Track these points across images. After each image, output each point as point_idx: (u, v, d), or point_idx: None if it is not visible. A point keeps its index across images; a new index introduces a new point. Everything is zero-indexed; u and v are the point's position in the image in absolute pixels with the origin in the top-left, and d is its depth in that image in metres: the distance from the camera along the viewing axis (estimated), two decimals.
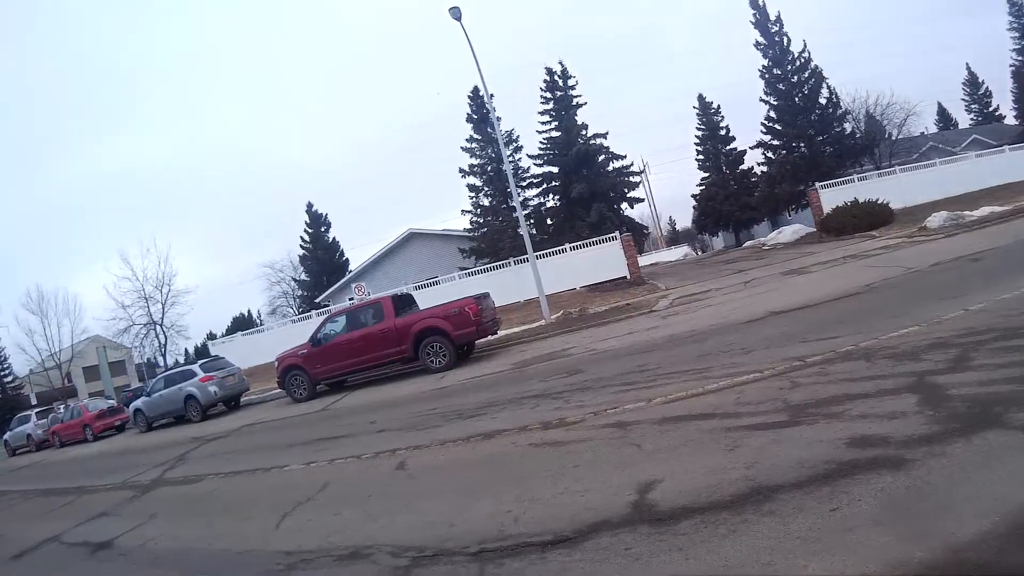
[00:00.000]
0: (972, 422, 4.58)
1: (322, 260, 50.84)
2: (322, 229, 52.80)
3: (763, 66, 38.65)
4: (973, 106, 54.30)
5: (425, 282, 31.44)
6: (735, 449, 5.19)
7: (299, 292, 52.62)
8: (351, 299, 27.09)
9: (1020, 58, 42.13)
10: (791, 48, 38.15)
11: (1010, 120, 47.27)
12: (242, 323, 55.87)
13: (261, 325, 51.57)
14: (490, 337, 17.89)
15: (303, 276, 52.63)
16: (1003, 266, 11.21)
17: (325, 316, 22.32)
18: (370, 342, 16.37)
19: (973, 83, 54.40)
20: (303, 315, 38.19)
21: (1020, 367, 5.56)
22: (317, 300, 42.98)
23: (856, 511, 3.79)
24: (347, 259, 51.64)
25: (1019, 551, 3.02)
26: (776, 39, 38.22)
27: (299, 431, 12.45)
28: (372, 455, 8.21)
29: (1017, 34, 42.43)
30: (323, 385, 17.58)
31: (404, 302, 18.30)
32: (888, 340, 7.37)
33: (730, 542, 3.75)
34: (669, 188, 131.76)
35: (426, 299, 22.40)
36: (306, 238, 52.93)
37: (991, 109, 52.79)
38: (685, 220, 61.69)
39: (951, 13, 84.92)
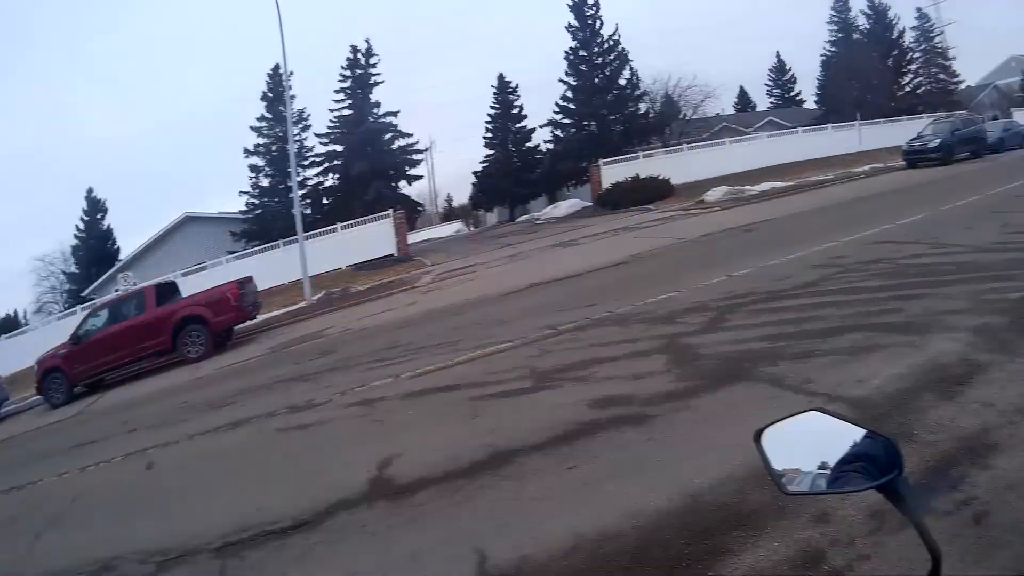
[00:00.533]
0: (719, 378, 5.05)
1: (93, 249, 46.06)
2: (98, 216, 47.79)
3: (570, 48, 40.00)
4: (776, 91, 59.97)
5: (192, 268, 29.52)
6: (477, 418, 5.38)
7: (67, 286, 47.51)
8: (117, 290, 25.02)
9: (834, 49, 46.98)
10: (602, 31, 39.69)
11: (810, 105, 52.34)
12: (6, 325, 49.56)
13: (26, 325, 46.10)
14: (250, 321, 17.36)
15: (73, 268, 47.55)
16: (773, 236, 12.46)
17: (88, 311, 20.38)
18: (131, 335, 15.56)
19: (780, 69, 59.93)
20: (68, 311, 34.58)
21: (774, 326, 6.21)
22: (84, 294, 39.06)
23: (595, 467, 4.03)
24: (118, 247, 47.20)
25: (756, 491, 3.33)
26: (589, 22, 39.64)
27: (54, 439, 11.41)
28: (122, 458, 7.61)
29: (835, 27, 47.36)
30: (81, 386, 16.09)
31: (167, 291, 17.14)
32: (646, 306, 7.91)
33: (466, 508, 3.88)
34: (456, 166, 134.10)
35: (193, 286, 21.08)
36: (81, 227, 47.29)
37: (793, 94, 58.62)
38: (465, 197, 62.72)
39: (779, 5, 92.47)
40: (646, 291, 8.63)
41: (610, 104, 39.20)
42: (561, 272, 12.59)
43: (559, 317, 8.23)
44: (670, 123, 40.15)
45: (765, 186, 23.79)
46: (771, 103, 58.16)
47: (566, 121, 40.77)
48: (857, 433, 0.99)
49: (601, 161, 32.79)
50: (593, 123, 39.45)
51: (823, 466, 1.01)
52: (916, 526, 0.92)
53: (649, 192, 28.20)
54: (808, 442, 1.04)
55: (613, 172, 31.57)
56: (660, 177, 29.30)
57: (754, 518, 3.19)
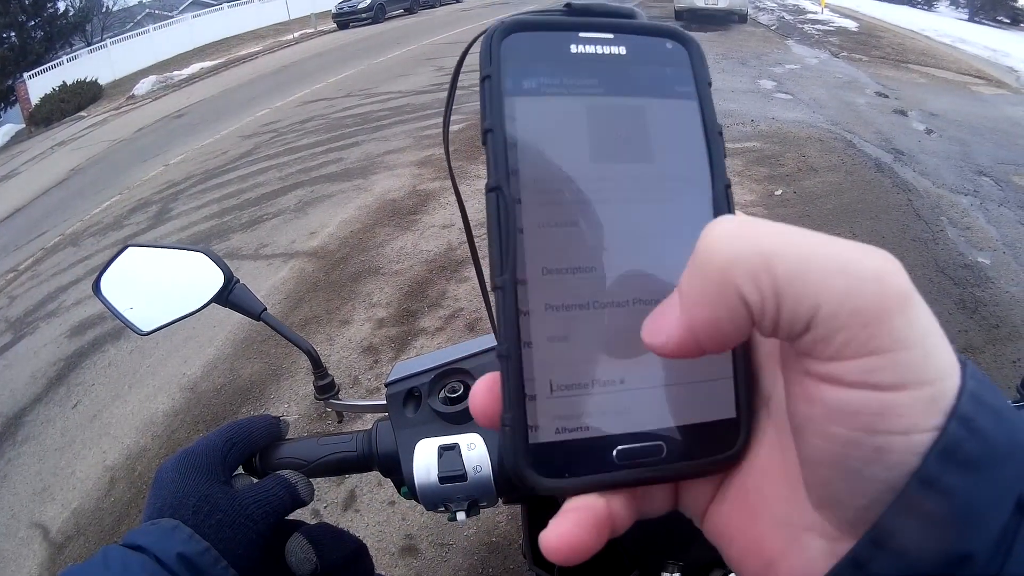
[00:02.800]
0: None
1: None
2: None
3: None
4: None
5: None
6: None
7: None
8: None
9: None
10: None
11: None
12: None
13: None
14: None
15: None
16: (205, 116, 13.10)
17: None
18: None
19: None
20: None
21: (218, 203, 7.19)
22: None
23: (95, 396, 4.56)
24: None
25: (246, 364, 4.31)
26: None
27: None
28: None
29: None
30: None
31: None
32: (92, 218, 8.10)
33: (5, 487, 4.05)
34: None
35: None
36: None
37: None
38: None
39: None
40: (90, 203, 8.76)
41: (27, 8, 34.74)
42: (6, 209, 11.60)
43: (15, 258, 7.92)
44: (91, 19, 37.37)
45: (194, 68, 24.05)
46: None
47: None
48: (172, 254, 1.04)
49: (26, 75, 29.52)
50: (12, 33, 34.66)
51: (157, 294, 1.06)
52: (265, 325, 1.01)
53: (80, 98, 26.43)
54: (139, 275, 1.06)
55: (40, 85, 28.85)
56: (88, 80, 27.56)
57: (254, 389, 4.12)
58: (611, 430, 0.32)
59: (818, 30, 17.37)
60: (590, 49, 0.34)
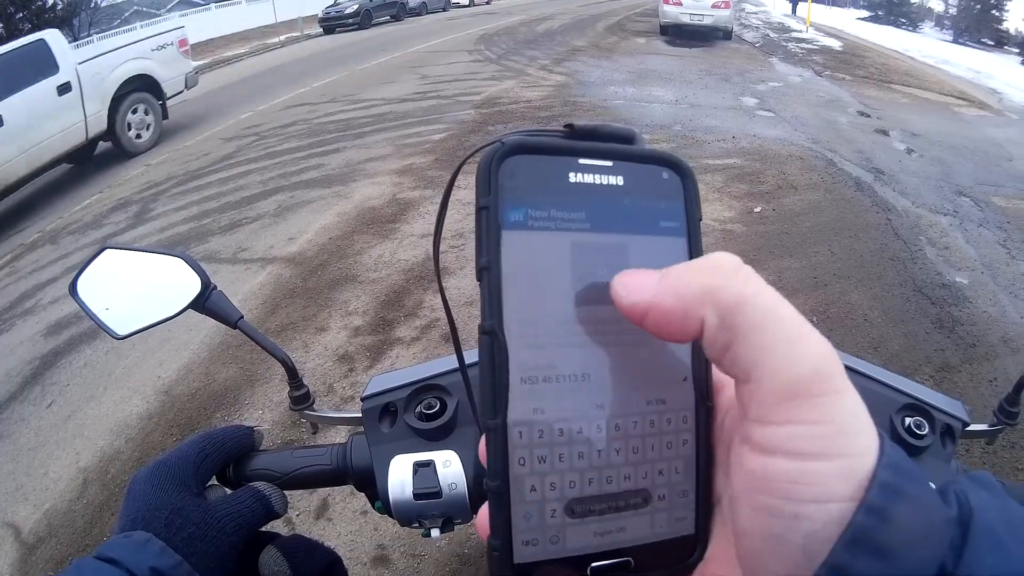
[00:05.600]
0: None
1: None
2: None
3: None
4: None
5: None
6: None
7: None
8: None
9: None
10: None
11: None
12: None
13: None
14: None
15: None
16: (186, 117, 13.02)
17: None
18: None
19: None
20: None
21: (197, 205, 7.18)
22: None
23: (70, 397, 4.51)
24: None
25: (222, 368, 4.31)
26: None
27: None
28: None
29: None
30: None
31: None
32: (72, 216, 8.03)
33: None
34: None
35: None
36: None
37: None
38: None
39: None
40: (67, 201, 8.75)
41: (17, 2, 34.42)
42: None
43: None
44: (79, 13, 37.11)
45: None
46: None
47: None
48: (150, 258, 1.03)
49: None
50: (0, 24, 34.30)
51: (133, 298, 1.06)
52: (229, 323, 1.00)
53: None
54: (116, 278, 1.03)
55: None
56: None
57: (228, 394, 4.13)
58: (587, 550, 0.34)
59: (802, 48, 17.54)
60: (588, 179, 0.34)
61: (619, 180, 0.35)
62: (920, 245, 5.59)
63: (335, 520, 3.14)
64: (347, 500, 3.22)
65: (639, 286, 0.32)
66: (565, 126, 0.37)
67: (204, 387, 4.21)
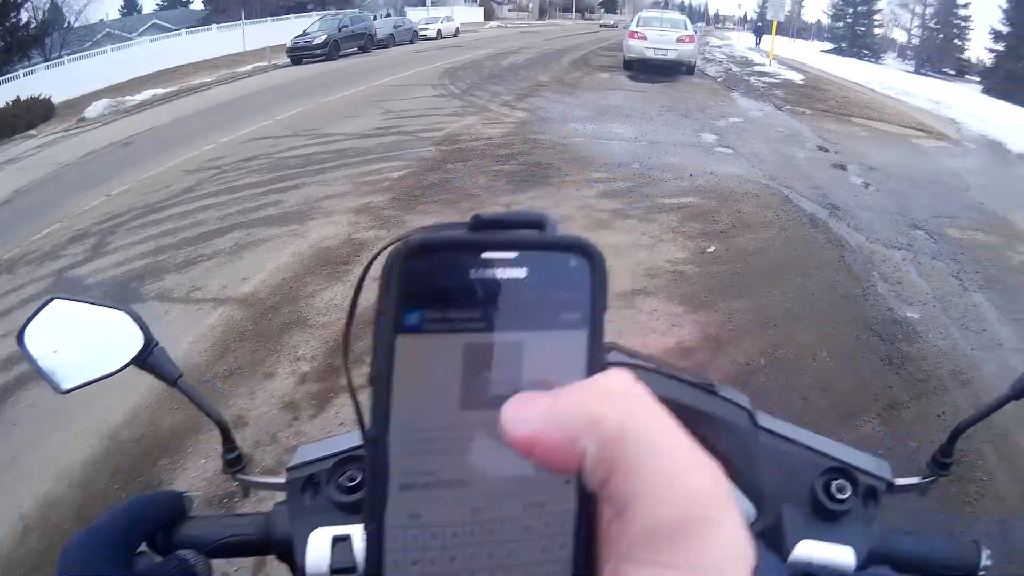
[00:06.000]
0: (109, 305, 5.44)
1: None
2: None
3: None
4: None
5: None
6: None
7: None
8: None
9: None
10: None
11: (198, 5, 52.82)
12: None
13: None
14: None
15: None
16: (152, 146, 13.09)
17: None
18: None
19: None
20: None
21: (155, 239, 7.10)
22: None
23: (13, 439, 4.41)
24: None
25: (168, 414, 4.21)
26: None
27: None
28: None
29: None
30: None
31: None
32: (31, 245, 7.98)
33: None
34: None
35: None
36: None
37: None
38: None
39: None
40: (29, 228, 8.66)
41: None
42: None
43: None
44: (51, 33, 37.18)
45: (147, 94, 24.01)
46: (157, 5, 57.71)
47: None
48: (95, 310, 1.01)
49: None
50: None
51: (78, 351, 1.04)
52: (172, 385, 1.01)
53: (32, 115, 26.19)
54: (62, 329, 1.04)
55: None
56: (42, 97, 27.30)
57: (173, 441, 4.04)
58: None
59: (764, 83, 17.86)
60: (489, 273, 0.33)
61: (522, 272, 0.34)
62: (872, 281, 5.66)
63: None
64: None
65: (525, 417, 0.31)
66: (472, 218, 0.36)
67: (149, 433, 4.13)
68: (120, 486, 3.73)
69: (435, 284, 0.33)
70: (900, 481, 0.97)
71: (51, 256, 7.46)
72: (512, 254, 0.34)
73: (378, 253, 0.35)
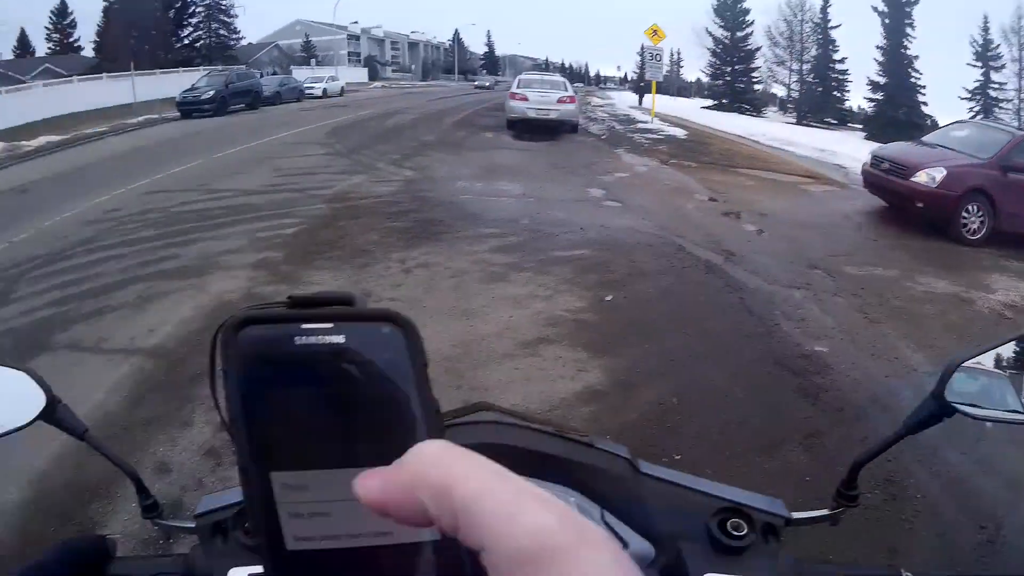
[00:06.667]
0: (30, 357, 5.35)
1: None
2: None
3: None
4: (55, 35, 56.09)
5: None
6: None
7: None
8: None
9: None
10: None
11: (89, 52, 51.81)
12: None
13: None
14: None
15: None
16: (50, 194, 12.58)
17: None
18: None
19: (62, 12, 56.17)
20: None
21: (60, 289, 6.84)
22: None
23: None
24: None
25: (93, 459, 3.90)
26: None
27: None
28: None
29: None
30: None
31: None
32: None
33: None
34: None
35: None
36: None
37: (73, 39, 55.94)
38: None
39: None
40: None
41: None
42: None
43: None
44: None
45: (42, 140, 23.25)
46: (50, 48, 56.18)
47: None
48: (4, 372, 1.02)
49: None
50: None
51: None
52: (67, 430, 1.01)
53: None
54: None
55: None
56: None
57: (101, 485, 3.82)
58: None
59: (648, 139, 18.44)
60: (312, 339, 0.37)
61: (341, 339, 0.37)
62: (776, 319, 5.87)
63: None
64: None
65: (371, 485, 0.34)
66: (288, 297, 0.40)
67: (77, 477, 3.88)
68: (56, 528, 3.53)
69: (266, 349, 0.37)
70: (800, 515, 1.02)
71: None
72: (329, 324, 0.37)
73: (220, 327, 0.38)
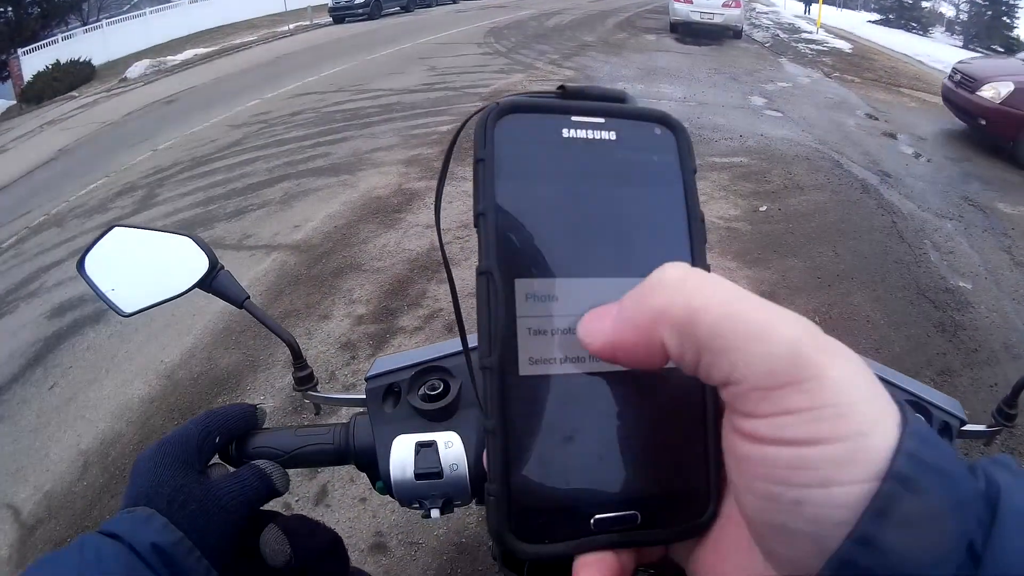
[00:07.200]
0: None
1: None
2: None
3: None
4: None
5: None
6: None
7: None
8: None
9: None
10: None
11: None
12: None
13: None
14: None
15: None
16: (196, 103, 13.25)
17: None
18: None
19: None
20: None
21: (204, 191, 7.23)
22: None
23: (72, 379, 4.54)
24: None
25: (225, 353, 4.32)
26: None
27: None
28: None
29: None
30: None
31: None
32: (78, 200, 8.12)
33: None
34: None
35: None
36: None
37: None
38: None
39: None
40: (75, 184, 8.77)
41: None
42: None
43: None
44: None
45: (188, 54, 24.07)
46: None
47: None
48: (158, 236, 1.04)
49: (20, 51, 29.70)
50: (9, 8, 34.69)
51: (140, 276, 1.07)
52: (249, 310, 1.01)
53: (72, 78, 26.50)
54: (124, 256, 1.06)
55: (33, 62, 29.04)
56: (81, 60, 27.66)
57: (231, 379, 4.15)
58: (590, 500, 0.34)
59: (812, 50, 17.49)
60: (581, 134, 0.36)
61: (611, 135, 0.36)
62: (924, 249, 5.59)
63: (333, 507, 3.15)
64: (346, 487, 3.24)
65: (598, 329, 0.33)
66: (558, 87, 0.38)
67: (206, 372, 4.22)
68: (178, 422, 3.74)
69: (529, 139, 0.35)
70: (969, 426, 0.98)
71: (99, 209, 7.60)
72: (600, 119, 0.36)
73: (475, 114, 0.37)
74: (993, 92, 8.78)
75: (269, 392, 3.91)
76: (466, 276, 4.83)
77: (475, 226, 0.34)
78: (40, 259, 6.68)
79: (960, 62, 10.52)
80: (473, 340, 0.42)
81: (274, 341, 4.26)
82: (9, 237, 7.85)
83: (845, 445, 0.28)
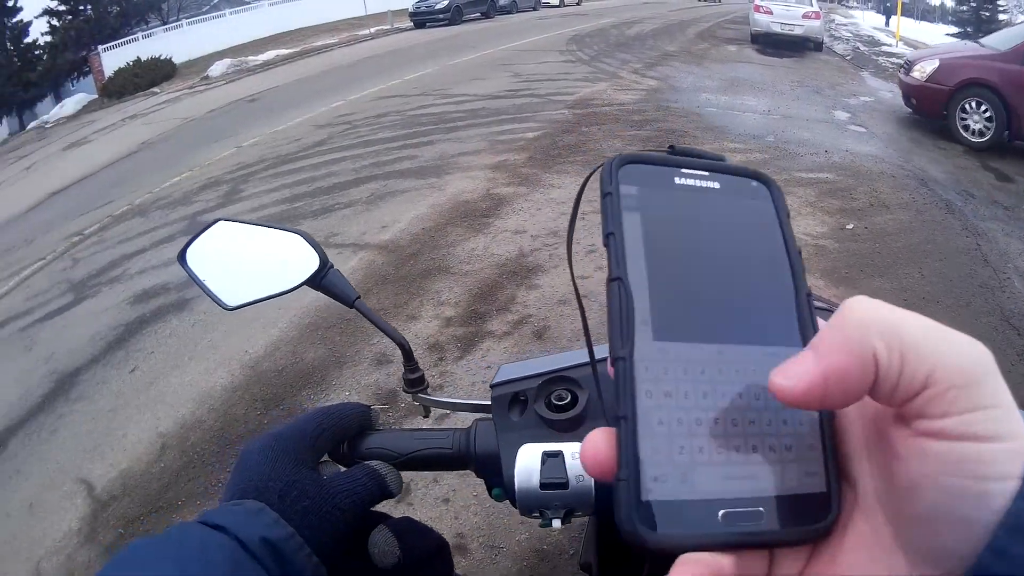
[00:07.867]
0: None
1: None
2: None
3: None
4: None
5: None
6: (32, 348, 5.51)
7: None
8: None
9: None
10: None
11: None
12: None
13: None
14: None
15: None
16: (279, 102, 13.50)
17: None
18: None
19: None
20: None
21: (289, 188, 7.36)
22: None
23: (154, 363, 4.67)
24: None
25: (310, 348, 4.39)
26: None
27: None
28: None
29: None
30: None
31: None
32: (161, 191, 8.40)
33: (54, 444, 4.15)
34: None
35: None
36: None
37: None
38: None
39: None
40: (159, 177, 9.11)
41: None
42: (64, 180, 11.96)
43: (82, 222, 8.27)
44: None
45: (270, 55, 24.57)
46: None
47: (61, 8, 36.72)
48: (265, 232, 1.04)
49: (101, 48, 31.02)
50: (88, 6, 36.12)
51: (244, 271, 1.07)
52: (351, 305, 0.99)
53: (153, 74, 27.50)
54: (228, 250, 1.06)
55: (113, 58, 30.41)
56: (162, 57, 28.67)
57: (316, 373, 4.19)
58: (717, 494, 0.35)
59: (892, 63, 17.12)
60: (691, 182, 0.40)
61: (716, 184, 0.41)
62: (1008, 274, 5.41)
63: (416, 505, 3.15)
64: (429, 487, 3.23)
65: (797, 371, 0.33)
66: (668, 147, 0.43)
67: (291, 365, 4.27)
68: (261, 412, 3.87)
69: (647, 182, 0.39)
70: None
71: (183, 201, 7.79)
72: (705, 172, 0.41)
73: (599, 166, 0.40)
74: (920, 72, 9.20)
75: (354, 388, 3.94)
76: (556, 283, 4.88)
77: (604, 245, 0.37)
78: (123, 247, 6.87)
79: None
80: (598, 352, 0.46)
81: (360, 338, 4.36)
82: (92, 224, 8.09)
83: (1017, 443, 0.31)
